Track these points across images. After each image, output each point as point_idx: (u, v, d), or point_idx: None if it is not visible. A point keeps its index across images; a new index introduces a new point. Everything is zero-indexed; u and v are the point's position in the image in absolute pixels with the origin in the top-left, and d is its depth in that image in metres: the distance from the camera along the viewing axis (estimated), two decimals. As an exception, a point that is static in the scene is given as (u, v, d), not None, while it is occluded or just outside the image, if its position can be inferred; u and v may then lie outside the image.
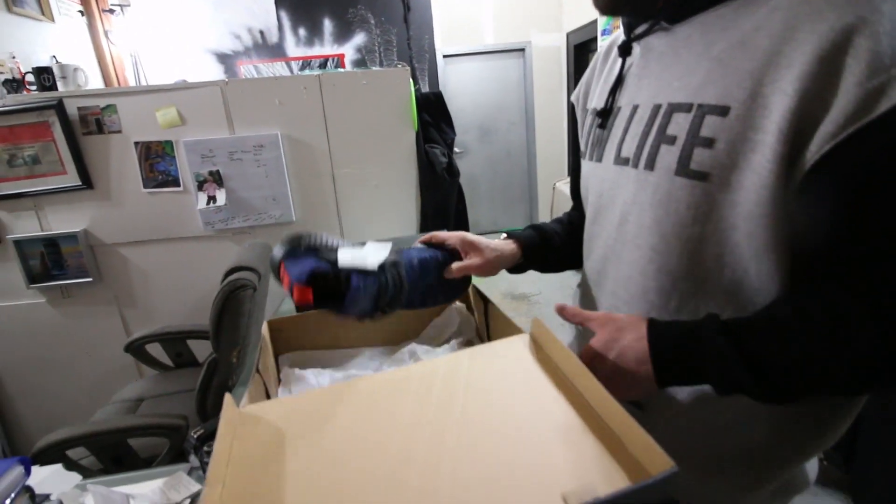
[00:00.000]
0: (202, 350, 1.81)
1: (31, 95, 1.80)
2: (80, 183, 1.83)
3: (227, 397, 0.49)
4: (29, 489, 0.71)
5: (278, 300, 1.47)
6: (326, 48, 3.27)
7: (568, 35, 4.19)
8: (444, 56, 4.30)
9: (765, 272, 0.48)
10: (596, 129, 0.66)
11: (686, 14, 0.53)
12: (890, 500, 1.48)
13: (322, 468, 0.42)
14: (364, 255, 0.65)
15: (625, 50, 0.61)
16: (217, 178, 1.89)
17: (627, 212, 0.58)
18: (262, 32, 3.21)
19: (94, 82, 2.66)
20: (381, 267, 0.64)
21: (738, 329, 0.45)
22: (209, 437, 0.87)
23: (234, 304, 1.29)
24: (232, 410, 0.49)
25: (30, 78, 1.93)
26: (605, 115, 0.64)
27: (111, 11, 2.81)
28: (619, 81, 0.62)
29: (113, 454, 1.26)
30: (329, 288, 0.61)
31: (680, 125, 0.50)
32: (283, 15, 3.19)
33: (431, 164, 2.12)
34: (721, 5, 0.49)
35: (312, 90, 1.88)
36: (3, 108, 1.72)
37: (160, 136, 1.84)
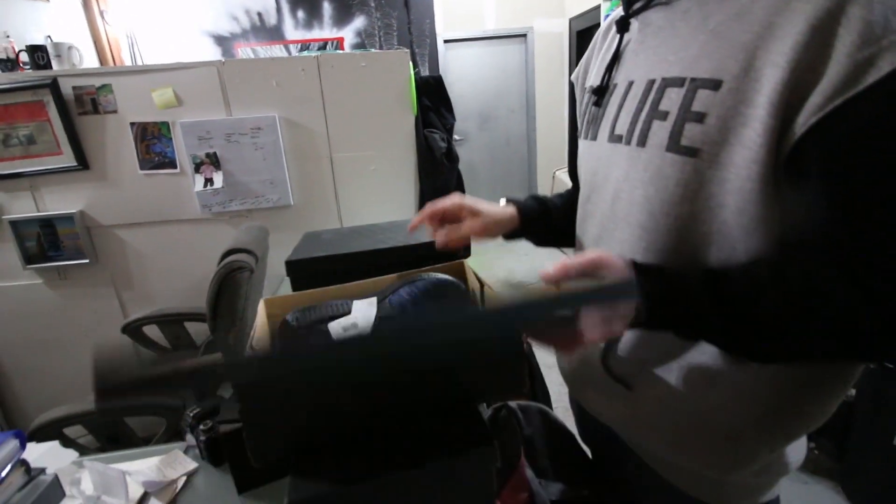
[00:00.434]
0: (199, 332, 1.81)
1: (25, 74, 1.77)
2: (76, 164, 1.82)
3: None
4: (24, 463, 0.71)
5: (276, 282, 1.46)
6: (326, 31, 3.22)
7: (571, 21, 4.13)
8: (445, 41, 4.24)
9: (753, 249, 0.47)
10: (592, 106, 0.65)
11: None
12: (880, 489, 1.49)
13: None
14: (353, 320, 0.67)
15: (622, 25, 0.60)
16: (214, 161, 1.87)
17: (620, 189, 0.57)
18: (259, 14, 3.16)
19: (90, 63, 2.62)
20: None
21: (717, 274, 0.46)
22: (205, 416, 0.87)
23: (231, 287, 1.29)
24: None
25: (24, 57, 1.90)
26: (601, 93, 0.63)
27: (107, -9, 2.77)
28: (616, 58, 0.61)
29: (110, 433, 1.27)
30: None
31: (672, 100, 0.50)
32: (282, -4, 3.14)
33: (430, 149, 2.10)
34: None
35: (311, 72, 1.86)
36: (-2, 87, 1.70)
37: (156, 117, 1.82)
